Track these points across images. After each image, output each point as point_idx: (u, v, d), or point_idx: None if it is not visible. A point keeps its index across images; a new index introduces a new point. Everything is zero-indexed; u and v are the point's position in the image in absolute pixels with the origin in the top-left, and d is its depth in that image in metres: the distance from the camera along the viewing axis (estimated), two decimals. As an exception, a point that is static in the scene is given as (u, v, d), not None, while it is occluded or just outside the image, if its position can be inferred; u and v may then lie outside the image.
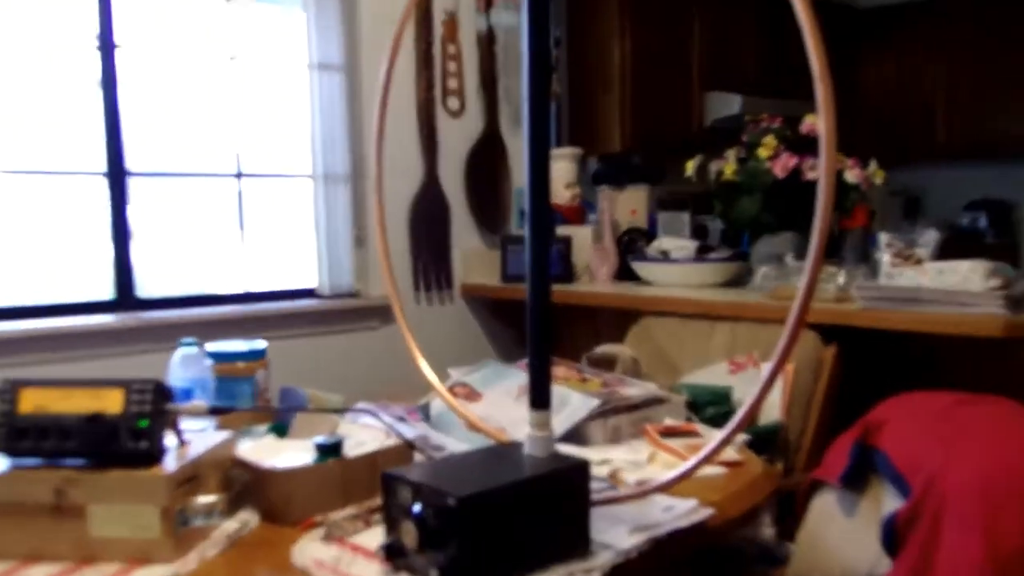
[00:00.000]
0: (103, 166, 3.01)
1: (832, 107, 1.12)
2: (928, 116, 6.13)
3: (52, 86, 2.97)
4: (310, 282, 3.42)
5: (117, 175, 3.03)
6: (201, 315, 3.05)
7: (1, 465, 1.32)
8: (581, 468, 1.26)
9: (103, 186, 3.02)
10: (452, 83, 3.63)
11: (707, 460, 1.26)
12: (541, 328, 1.30)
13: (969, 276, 2.41)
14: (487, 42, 3.71)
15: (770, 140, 3.08)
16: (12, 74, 2.89)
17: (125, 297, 3.03)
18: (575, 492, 1.24)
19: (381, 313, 3.46)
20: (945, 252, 2.65)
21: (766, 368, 2.42)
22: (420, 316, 3.56)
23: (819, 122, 1.13)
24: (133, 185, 3.07)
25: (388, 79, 1.68)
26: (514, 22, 3.72)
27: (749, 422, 1.25)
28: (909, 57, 6.21)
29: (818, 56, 1.11)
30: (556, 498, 1.22)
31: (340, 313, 3.39)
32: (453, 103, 3.64)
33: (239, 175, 3.35)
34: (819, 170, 1.12)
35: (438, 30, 3.57)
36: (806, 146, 3.05)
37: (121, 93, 3.03)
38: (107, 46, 3.00)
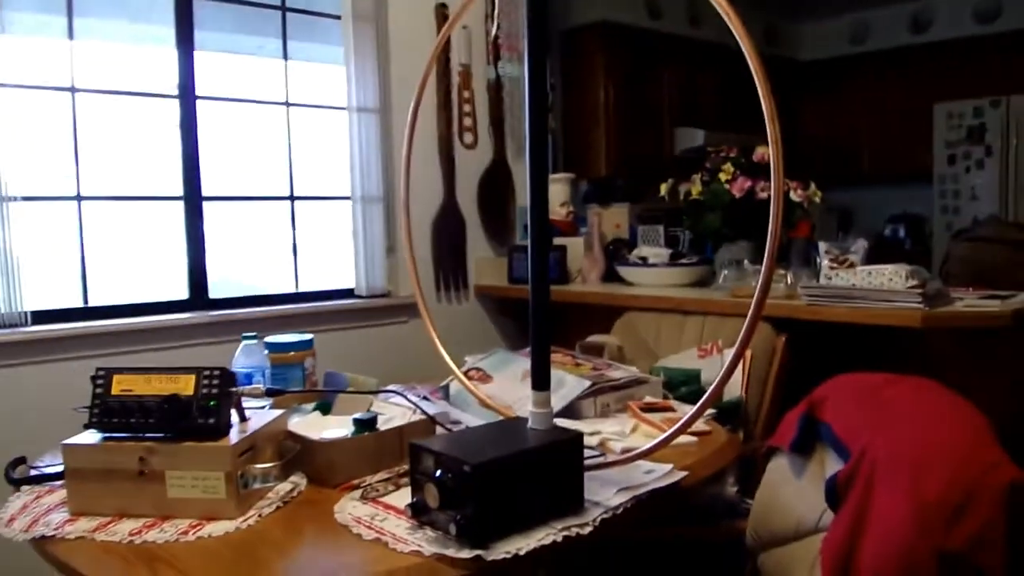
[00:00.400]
0: (181, 191, 2.99)
1: (780, 142, 1.09)
2: (856, 148, 6.15)
3: (140, 125, 2.97)
4: (349, 283, 3.39)
5: (193, 199, 3.01)
6: (260, 312, 3.03)
7: (95, 438, 1.31)
8: (576, 439, 1.24)
9: (180, 208, 3.00)
10: (467, 121, 3.61)
11: (681, 431, 1.24)
12: (541, 323, 1.28)
13: (893, 277, 2.39)
14: (495, 88, 3.69)
15: (728, 166, 3.06)
16: (107, 115, 2.87)
17: (198, 298, 3.01)
18: (571, 459, 1.23)
19: (409, 310, 3.44)
20: (872, 258, 2.63)
21: (728, 354, 2.40)
22: (441, 312, 3.54)
23: (770, 153, 1.11)
24: (206, 207, 3.05)
25: (414, 119, 1.66)
26: (517, 72, 3.70)
27: (715, 399, 1.24)
28: (843, 101, 6.22)
29: (767, 102, 1.09)
30: (555, 464, 1.20)
31: (374, 310, 3.37)
32: (468, 137, 3.62)
33: (292, 198, 3.33)
34: (772, 192, 1.10)
35: (455, 79, 3.56)
36: (758, 171, 3.03)
37: (198, 131, 3.01)
38: (189, 96, 2.99)
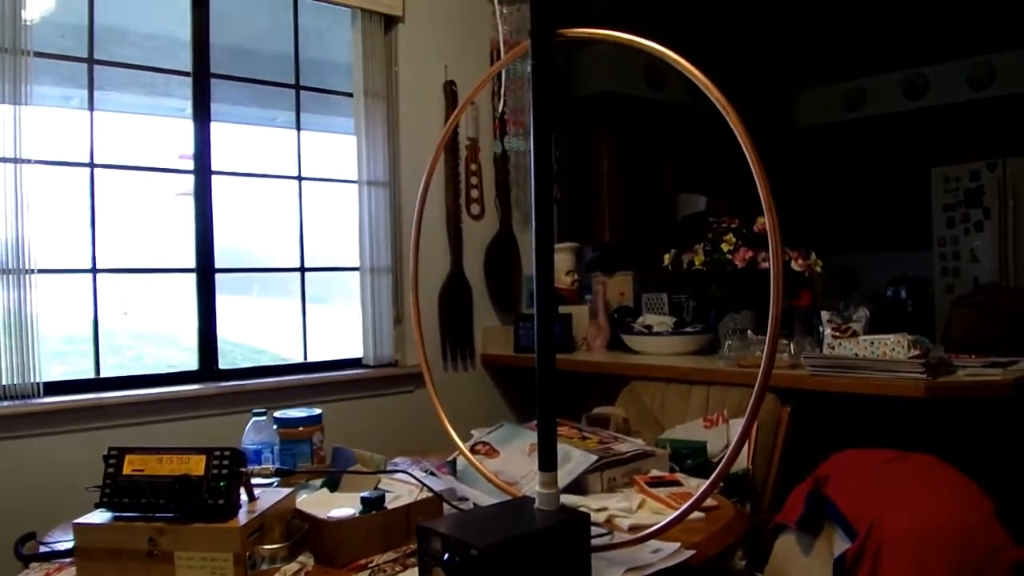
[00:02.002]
0: (193, 262, 3.02)
1: (777, 230, 1.11)
2: (856, 213, 6.21)
3: (148, 194, 3.01)
4: (357, 353, 3.40)
5: (206, 271, 3.03)
6: (269, 383, 3.03)
7: (106, 517, 1.31)
8: (583, 520, 1.24)
9: (192, 280, 3.02)
10: (474, 193, 3.65)
11: (690, 511, 1.23)
12: (547, 402, 1.28)
13: (895, 347, 2.39)
14: (501, 161, 3.75)
15: (730, 237, 3.09)
16: (114, 186, 2.92)
17: (208, 368, 3.01)
18: (578, 540, 1.22)
19: (416, 379, 3.43)
20: (875, 321, 2.63)
21: (734, 424, 2.39)
22: (448, 381, 3.53)
23: (768, 237, 1.13)
24: (218, 278, 3.07)
25: (424, 192, 1.69)
26: (523, 146, 3.76)
27: (724, 474, 1.23)
28: (840, 166, 6.30)
29: (765, 191, 1.11)
30: (562, 546, 1.20)
31: (382, 379, 3.36)
32: (475, 208, 3.66)
33: (303, 269, 3.36)
34: (771, 274, 1.11)
35: (463, 152, 3.61)
36: (759, 242, 3.05)
37: (212, 204, 3.05)
38: (205, 170, 3.04)
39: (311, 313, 3.36)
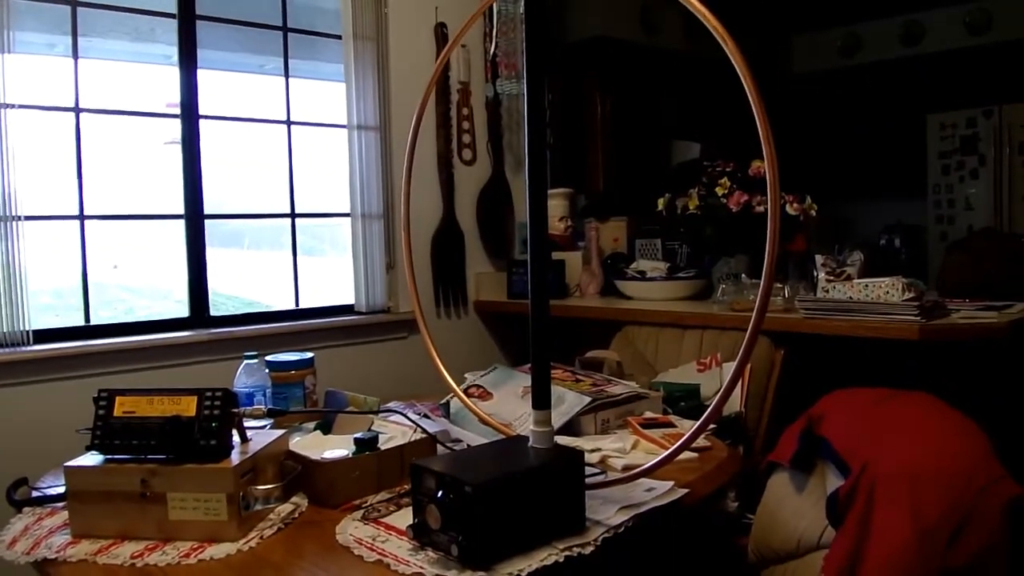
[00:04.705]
0: (182, 209, 2.98)
1: (775, 163, 1.09)
2: (851, 160, 6.16)
3: (136, 142, 2.97)
4: (349, 300, 3.38)
5: (195, 217, 3.00)
6: (261, 330, 3.01)
7: (97, 460, 1.30)
8: (577, 458, 1.23)
9: (181, 226, 2.99)
10: (466, 138, 3.61)
11: (683, 448, 1.23)
12: (541, 341, 1.27)
13: (889, 290, 2.39)
14: (494, 105, 3.69)
15: (725, 181, 3.06)
16: (110, 133, 2.88)
17: (199, 316, 2.99)
18: (572, 478, 1.22)
19: (409, 325, 3.43)
20: (869, 269, 2.62)
21: (727, 367, 2.40)
22: (441, 327, 3.52)
23: (767, 173, 1.10)
24: (208, 231, 3.04)
25: (414, 140, 1.66)
26: (515, 89, 3.70)
27: (716, 415, 1.23)
28: (836, 113, 6.24)
29: (763, 124, 1.08)
30: (556, 483, 1.20)
31: (374, 326, 3.35)
32: (467, 154, 3.62)
33: (293, 215, 3.32)
34: (768, 212, 1.09)
35: (455, 97, 3.56)
36: (754, 185, 3.02)
37: (200, 150, 3.01)
38: (192, 115, 2.98)
39: (302, 266, 3.33)
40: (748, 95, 1.06)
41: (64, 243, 2.77)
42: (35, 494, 1.47)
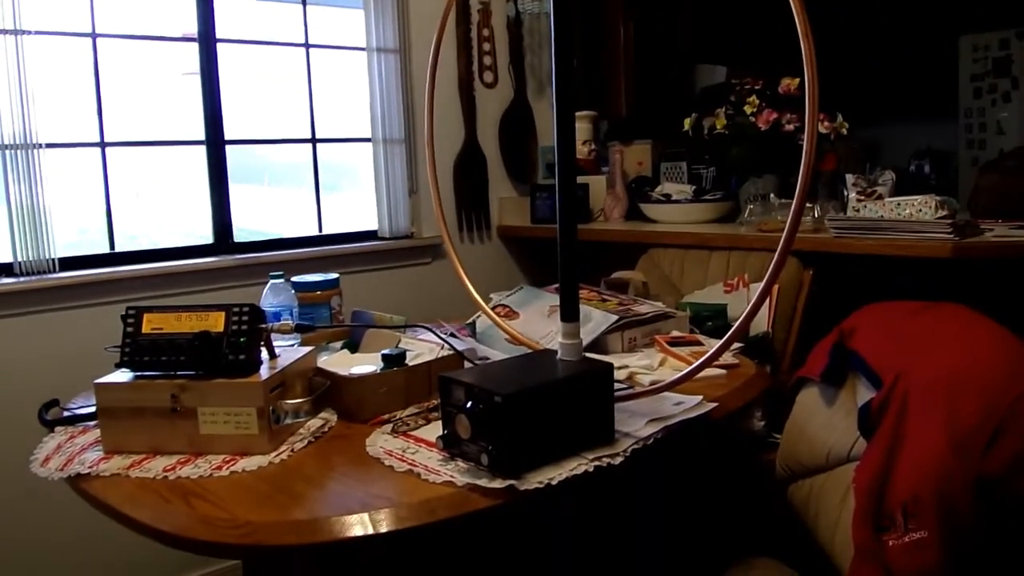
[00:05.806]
0: (203, 135, 2.96)
1: (814, 61, 1.05)
2: (879, 81, 6.00)
3: (154, 72, 2.94)
4: (372, 225, 3.37)
5: (216, 143, 2.98)
6: (285, 255, 3.02)
7: (127, 376, 1.31)
8: (606, 369, 1.22)
9: (203, 153, 2.97)
10: (487, 60, 3.54)
11: (709, 362, 1.22)
12: (569, 256, 1.25)
13: (922, 208, 2.34)
14: (515, 26, 3.61)
15: (754, 99, 2.98)
16: (128, 60, 2.84)
17: (223, 242, 3.00)
18: (601, 390, 1.21)
19: (432, 251, 3.42)
20: (899, 192, 2.57)
21: (755, 288, 2.37)
22: (464, 252, 3.50)
23: (805, 71, 1.06)
24: (229, 151, 3.02)
25: (435, 59, 1.62)
26: (537, 8, 3.62)
27: (742, 332, 1.21)
28: (862, 32, 6.06)
29: (801, 18, 1.04)
30: (585, 395, 1.19)
31: (398, 251, 3.35)
32: (488, 76, 3.56)
33: (314, 140, 3.29)
34: (806, 113, 1.06)
35: (475, 17, 3.48)
36: (784, 103, 2.95)
37: (219, 75, 2.97)
38: (209, 39, 2.94)
39: (324, 200, 3.32)
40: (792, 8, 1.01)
41: (87, 173, 2.76)
42: (66, 414, 1.48)
